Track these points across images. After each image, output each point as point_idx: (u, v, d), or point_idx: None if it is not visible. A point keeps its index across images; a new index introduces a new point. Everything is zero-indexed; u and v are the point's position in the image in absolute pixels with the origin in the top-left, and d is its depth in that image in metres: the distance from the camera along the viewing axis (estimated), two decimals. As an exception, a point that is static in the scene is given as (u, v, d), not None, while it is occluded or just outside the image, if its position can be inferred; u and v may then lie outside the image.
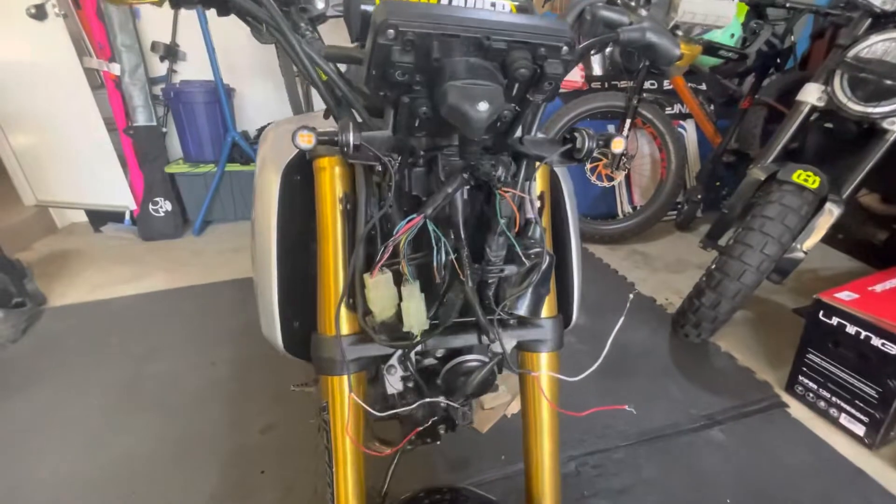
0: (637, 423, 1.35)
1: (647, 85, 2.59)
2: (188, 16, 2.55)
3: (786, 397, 1.46)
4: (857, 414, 1.30)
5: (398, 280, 0.49)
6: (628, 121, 2.34)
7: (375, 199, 0.50)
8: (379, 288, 0.47)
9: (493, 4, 0.51)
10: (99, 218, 2.77)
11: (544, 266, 0.51)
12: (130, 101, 2.58)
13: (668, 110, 2.71)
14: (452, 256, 0.48)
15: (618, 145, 0.52)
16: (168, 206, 2.66)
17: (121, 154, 2.61)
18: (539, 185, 0.59)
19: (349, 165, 0.52)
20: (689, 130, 2.76)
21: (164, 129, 2.71)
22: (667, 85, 2.69)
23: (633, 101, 2.30)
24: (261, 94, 2.95)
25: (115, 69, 2.51)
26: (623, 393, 1.47)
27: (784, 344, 1.65)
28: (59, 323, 1.88)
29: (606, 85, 2.67)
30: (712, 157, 2.52)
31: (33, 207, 2.78)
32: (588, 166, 2.55)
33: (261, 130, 2.89)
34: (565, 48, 0.40)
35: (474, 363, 0.58)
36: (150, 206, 2.64)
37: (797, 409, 1.42)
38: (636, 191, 2.75)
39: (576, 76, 2.59)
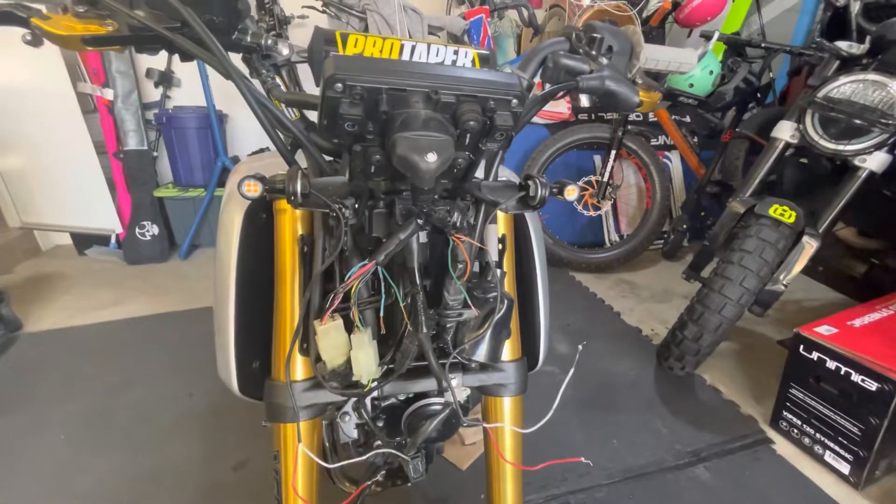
0: (621, 460, 1.32)
1: (632, 117, 2.65)
2: (183, 44, 2.60)
3: (771, 433, 1.44)
4: (842, 451, 1.28)
5: (354, 326, 0.48)
6: (613, 152, 2.39)
7: (334, 241, 0.49)
8: (329, 335, 0.46)
9: (456, 53, 0.52)
10: (84, 241, 2.75)
11: (503, 310, 0.50)
12: (122, 126, 2.60)
13: (654, 141, 2.77)
14: (402, 304, 0.48)
15: (571, 193, 0.53)
16: (155, 229, 2.64)
17: (109, 178, 2.61)
18: (501, 227, 0.59)
19: None
20: (674, 161, 2.82)
21: (154, 154, 2.72)
22: (652, 117, 2.76)
23: (619, 132, 2.36)
24: (252, 121, 2.97)
25: (109, 94, 2.54)
26: (607, 427, 1.45)
27: (769, 376, 1.64)
28: (33, 349, 1.83)
29: (593, 116, 2.73)
30: (696, 188, 2.57)
31: (17, 230, 2.75)
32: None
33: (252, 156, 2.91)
34: (514, 101, 0.41)
35: (437, 406, 0.56)
36: (137, 230, 2.62)
37: (783, 446, 1.40)
38: (623, 220, 2.78)
39: (562, 108, 2.65)
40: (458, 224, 0.47)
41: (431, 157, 0.37)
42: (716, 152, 2.51)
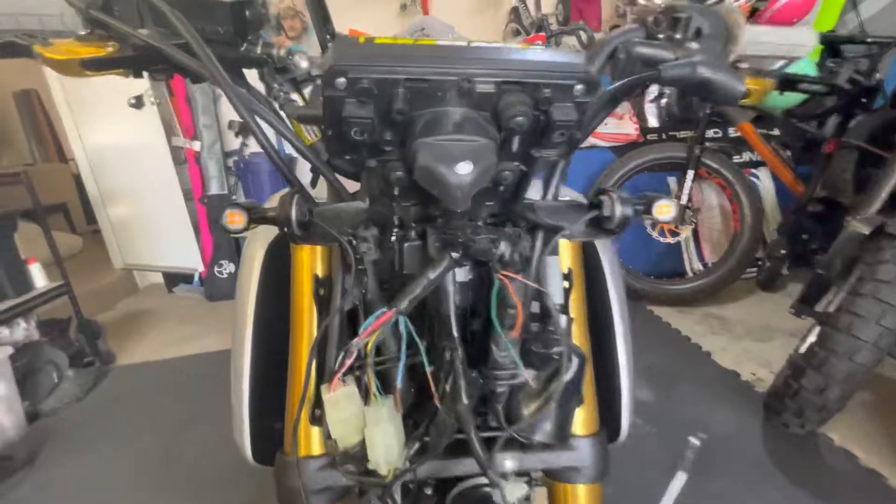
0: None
1: (709, 133, 2.42)
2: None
3: (933, 514, 1.12)
4: None
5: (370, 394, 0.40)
6: (691, 171, 2.17)
7: (356, 282, 0.41)
8: (338, 407, 0.37)
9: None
10: (173, 280, 3.00)
11: (571, 370, 0.39)
12: (206, 173, 2.85)
13: (736, 158, 2.49)
14: (433, 364, 0.38)
15: (664, 211, 0.40)
16: (231, 267, 2.82)
17: (194, 221, 2.85)
18: (566, 260, 0.47)
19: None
20: (763, 179, 2.50)
21: (233, 197, 2.94)
22: (732, 132, 2.50)
23: (696, 150, 2.14)
24: (320, 162, 3.14)
25: (196, 146, 2.81)
26: (707, 497, 1.21)
27: (920, 438, 1.31)
28: (121, 383, 1.97)
29: (664, 136, 2.53)
30: (796, 208, 2.24)
31: (121, 270, 3.08)
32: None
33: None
34: (579, 87, 0.31)
35: (487, 489, 0.46)
36: (216, 268, 2.81)
37: (952, 533, 1.08)
38: (706, 246, 2.49)
39: (629, 128, 2.49)
40: (506, 258, 0.36)
41: (464, 169, 0.29)
42: (815, 166, 2.19)
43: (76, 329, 2.01)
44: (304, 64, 0.51)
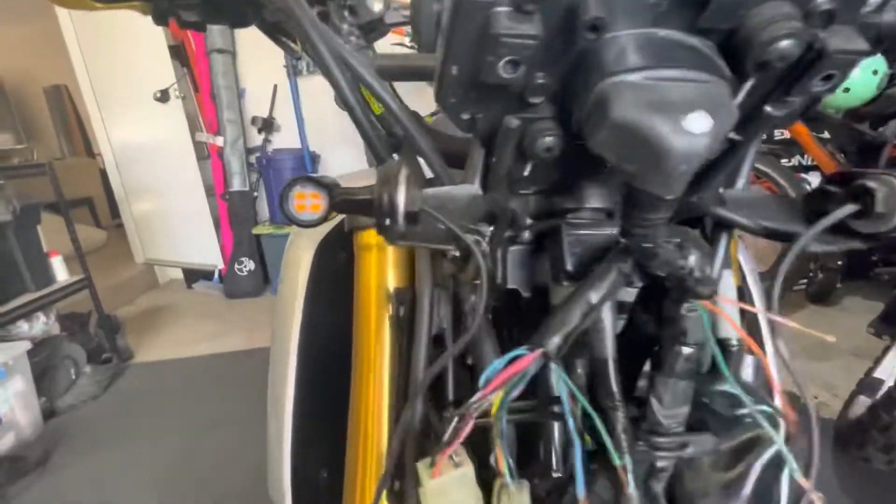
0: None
1: (757, 135, 2.26)
2: (285, 91, 2.78)
3: None
4: None
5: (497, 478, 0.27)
6: (738, 175, 2.02)
7: (447, 299, 0.31)
8: (448, 497, 0.26)
9: None
10: (192, 276, 2.96)
11: (779, 437, 0.26)
12: (229, 169, 2.80)
13: (785, 162, 2.33)
14: (617, 461, 0.26)
15: None
16: (251, 265, 2.77)
17: (216, 217, 2.81)
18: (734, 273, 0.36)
19: None
20: (815, 184, 2.33)
21: (255, 194, 2.90)
22: (780, 133, 2.34)
23: (744, 152, 2.00)
24: (343, 159, 3.08)
25: (220, 141, 2.77)
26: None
27: None
28: (138, 381, 1.92)
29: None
30: (853, 216, 2.07)
31: (142, 265, 3.06)
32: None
33: (341, 193, 2.98)
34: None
35: None
36: (236, 266, 2.76)
37: None
38: (751, 255, 2.33)
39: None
40: (697, 273, 0.25)
41: (699, 124, 0.18)
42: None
43: (96, 324, 1.97)
44: (376, 6, 0.39)
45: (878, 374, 1.19)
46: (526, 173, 0.25)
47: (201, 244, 2.83)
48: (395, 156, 0.33)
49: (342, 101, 0.30)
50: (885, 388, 1.15)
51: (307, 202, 0.25)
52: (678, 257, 0.24)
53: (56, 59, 3.35)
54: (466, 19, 0.20)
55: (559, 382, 0.25)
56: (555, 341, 0.25)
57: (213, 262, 2.85)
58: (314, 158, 2.88)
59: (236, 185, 2.78)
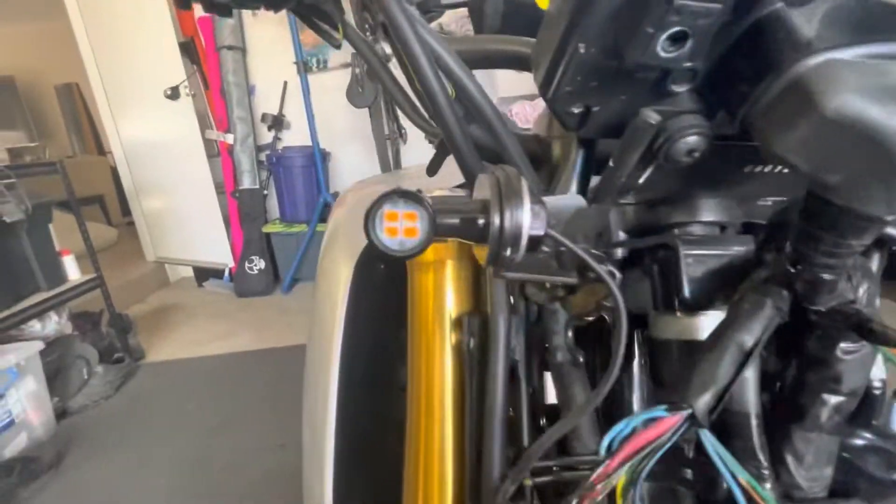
0: None
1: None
2: (295, 89, 2.75)
3: None
4: None
5: None
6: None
7: (519, 327, 0.27)
8: None
9: None
10: (203, 274, 2.95)
11: None
12: (239, 167, 2.78)
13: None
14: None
15: None
16: (262, 264, 2.75)
17: (226, 215, 2.80)
18: None
19: (474, 257, 0.27)
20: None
21: (265, 192, 2.88)
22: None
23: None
24: (353, 157, 3.05)
25: (230, 139, 2.75)
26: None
27: None
28: (150, 381, 1.91)
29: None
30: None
31: (153, 263, 3.06)
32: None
33: (351, 191, 2.95)
34: None
35: None
36: (246, 264, 2.75)
37: None
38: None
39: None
40: (867, 308, 0.21)
41: None
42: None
43: (107, 323, 1.97)
44: None
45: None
46: (642, 180, 0.21)
47: (211, 242, 2.82)
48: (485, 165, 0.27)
49: (428, 97, 0.24)
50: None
51: (400, 225, 0.19)
52: (848, 289, 0.20)
53: (67, 58, 3.36)
54: None
55: (717, 455, 0.20)
56: (705, 400, 0.20)
57: (223, 260, 2.84)
58: (325, 156, 2.85)
59: (246, 183, 2.76)
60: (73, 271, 1.83)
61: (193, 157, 2.70)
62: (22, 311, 1.57)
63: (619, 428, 0.20)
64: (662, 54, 0.16)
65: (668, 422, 0.19)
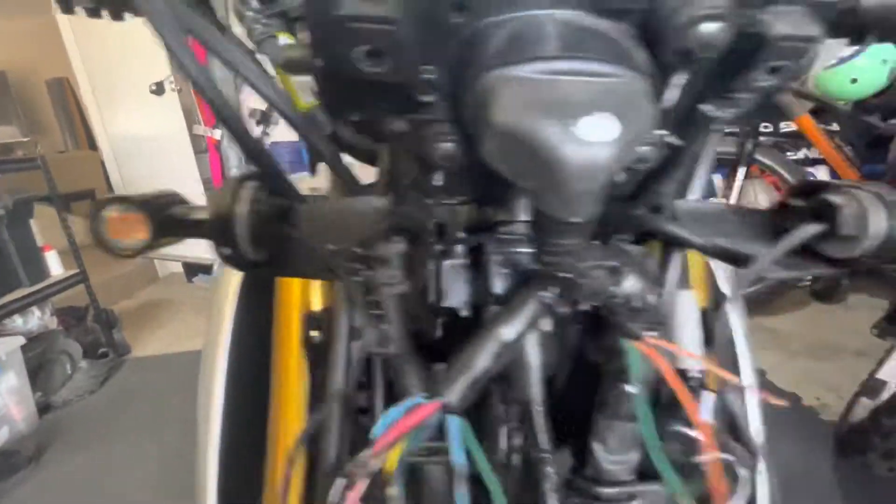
0: None
1: (762, 127, 2.20)
2: (281, 85, 2.75)
3: None
4: None
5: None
6: (742, 169, 1.98)
7: (364, 321, 0.27)
8: None
9: None
10: (192, 270, 2.97)
11: (744, 489, 0.24)
12: (227, 163, 2.77)
13: (790, 155, 2.27)
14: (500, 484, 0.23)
15: None
16: (250, 259, 2.76)
17: (214, 211, 2.81)
18: (700, 295, 0.33)
19: None
20: (821, 178, 2.27)
21: (253, 188, 2.89)
22: (786, 126, 2.28)
23: (748, 145, 1.95)
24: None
25: (217, 134, 2.75)
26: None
27: None
28: (134, 376, 1.92)
29: (710, 129, 2.32)
30: (860, 211, 2.02)
31: (142, 258, 3.07)
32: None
33: (339, 187, 2.96)
34: None
35: None
36: (234, 260, 2.76)
37: None
38: (754, 250, 2.29)
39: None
40: (634, 302, 0.21)
41: (597, 130, 0.14)
42: (888, 165, 1.96)
43: (92, 318, 1.98)
44: None
45: (880, 375, 1.15)
46: (437, 182, 0.21)
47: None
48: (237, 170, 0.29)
49: (208, 104, 0.26)
50: (887, 391, 1.12)
51: (120, 227, 0.21)
52: (609, 284, 0.21)
53: (58, 52, 3.34)
54: (316, 4, 0.16)
55: (459, 439, 0.21)
56: (457, 390, 0.21)
57: (212, 256, 2.85)
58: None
59: (234, 178, 2.77)
60: (56, 267, 1.83)
61: (180, 152, 2.71)
62: (2, 306, 1.58)
63: (384, 417, 0.21)
64: (367, 69, 0.16)
65: (426, 409, 0.21)
